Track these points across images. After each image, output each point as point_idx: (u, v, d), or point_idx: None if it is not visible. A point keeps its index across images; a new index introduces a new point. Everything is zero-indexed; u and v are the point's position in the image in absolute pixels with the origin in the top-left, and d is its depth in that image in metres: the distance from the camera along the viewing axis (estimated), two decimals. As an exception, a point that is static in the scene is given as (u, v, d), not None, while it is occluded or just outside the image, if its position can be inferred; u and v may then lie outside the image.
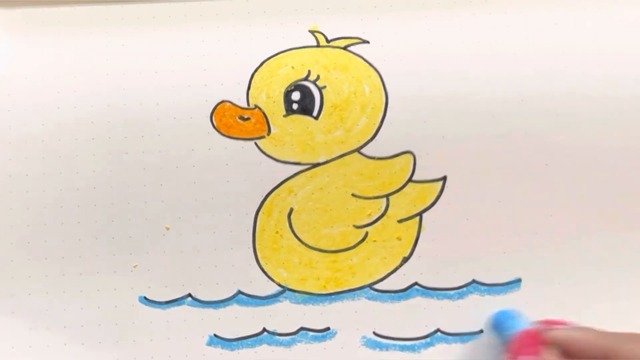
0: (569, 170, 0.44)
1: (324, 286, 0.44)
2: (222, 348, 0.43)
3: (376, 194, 0.44)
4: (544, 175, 0.44)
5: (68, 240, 0.43)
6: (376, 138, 0.43)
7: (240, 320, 0.43)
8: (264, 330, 0.44)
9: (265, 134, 0.43)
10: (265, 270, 0.44)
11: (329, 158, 0.44)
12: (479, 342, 0.44)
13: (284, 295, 0.44)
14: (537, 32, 0.44)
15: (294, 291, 0.44)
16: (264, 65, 0.44)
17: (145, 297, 0.43)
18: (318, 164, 0.44)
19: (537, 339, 0.40)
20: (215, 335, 0.43)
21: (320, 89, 0.44)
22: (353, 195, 0.44)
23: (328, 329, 0.44)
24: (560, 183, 0.44)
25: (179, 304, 0.43)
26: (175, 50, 0.44)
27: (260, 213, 0.43)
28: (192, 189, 0.43)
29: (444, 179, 0.44)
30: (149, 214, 0.43)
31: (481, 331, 0.44)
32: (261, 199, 0.43)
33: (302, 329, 0.44)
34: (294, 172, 0.43)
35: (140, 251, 0.43)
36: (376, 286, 0.44)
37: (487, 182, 0.44)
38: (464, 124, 0.43)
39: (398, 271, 0.44)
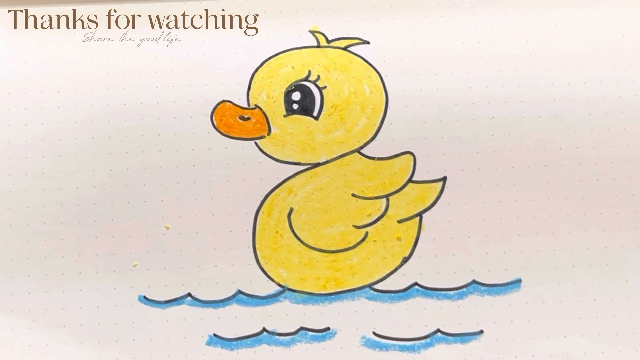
0: (569, 171, 0.44)
1: (324, 286, 0.44)
2: (222, 348, 0.43)
3: (376, 194, 0.44)
4: (543, 175, 0.44)
5: (67, 240, 0.43)
6: (376, 138, 0.43)
7: (239, 319, 0.43)
8: (264, 330, 0.43)
9: (265, 133, 0.43)
10: (265, 270, 0.44)
11: (329, 158, 0.44)
12: (479, 342, 0.44)
13: (284, 295, 0.44)
14: (537, 32, 0.45)
15: (294, 291, 0.44)
16: (264, 65, 0.44)
17: (144, 297, 0.43)
18: (318, 164, 0.44)
19: None
20: (214, 334, 0.43)
21: (320, 89, 0.44)
22: (353, 195, 0.44)
23: (328, 329, 0.44)
24: (560, 183, 0.44)
25: (179, 304, 0.43)
26: (175, 50, 0.44)
27: (260, 213, 0.43)
28: (192, 189, 0.43)
29: (444, 179, 0.44)
30: (148, 213, 0.43)
31: (481, 331, 0.44)
32: (261, 198, 0.43)
33: (301, 328, 0.44)
34: (294, 172, 0.43)
35: (139, 250, 0.43)
36: (376, 286, 0.44)
37: (487, 182, 0.44)
38: (464, 124, 0.43)
39: (398, 271, 0.44)
